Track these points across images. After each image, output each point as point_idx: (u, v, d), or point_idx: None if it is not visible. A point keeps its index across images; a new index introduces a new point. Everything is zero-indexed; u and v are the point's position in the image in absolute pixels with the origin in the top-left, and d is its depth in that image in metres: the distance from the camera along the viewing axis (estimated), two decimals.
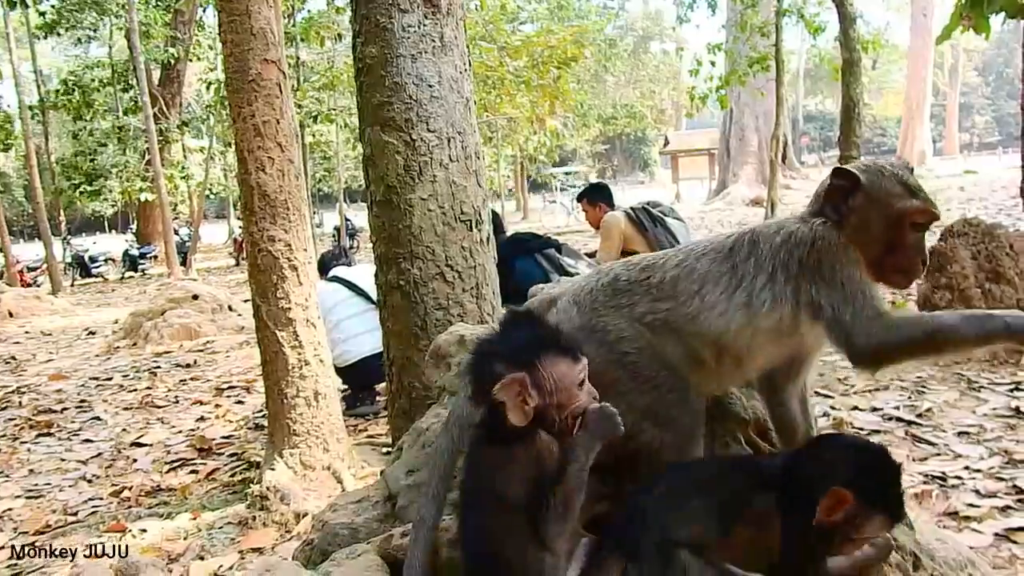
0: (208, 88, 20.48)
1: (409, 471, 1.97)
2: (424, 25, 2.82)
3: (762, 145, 25.07)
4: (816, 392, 5.85)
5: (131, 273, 23.90)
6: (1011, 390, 5.60)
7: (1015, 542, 3.61)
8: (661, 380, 1.72)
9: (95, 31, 22.98)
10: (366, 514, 1.93)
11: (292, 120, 4.80)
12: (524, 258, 6.29)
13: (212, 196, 34.61)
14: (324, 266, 7.02)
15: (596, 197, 7.88)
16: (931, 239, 7.58)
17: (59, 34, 22.20)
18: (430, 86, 2.82)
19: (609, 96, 38.87)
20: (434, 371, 2.08)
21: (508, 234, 6.71)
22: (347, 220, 24.17)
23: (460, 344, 2.11)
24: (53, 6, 20.80)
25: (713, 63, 13.56)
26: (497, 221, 6.58)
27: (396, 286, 2.90)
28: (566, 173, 39.66)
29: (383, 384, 6.42)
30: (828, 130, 49.60)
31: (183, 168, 24.81)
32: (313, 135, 25.47)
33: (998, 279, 6.46)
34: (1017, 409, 5.19)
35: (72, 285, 22.34)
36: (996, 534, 3.68)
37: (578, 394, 1.47)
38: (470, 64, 3.01)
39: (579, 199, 8.26)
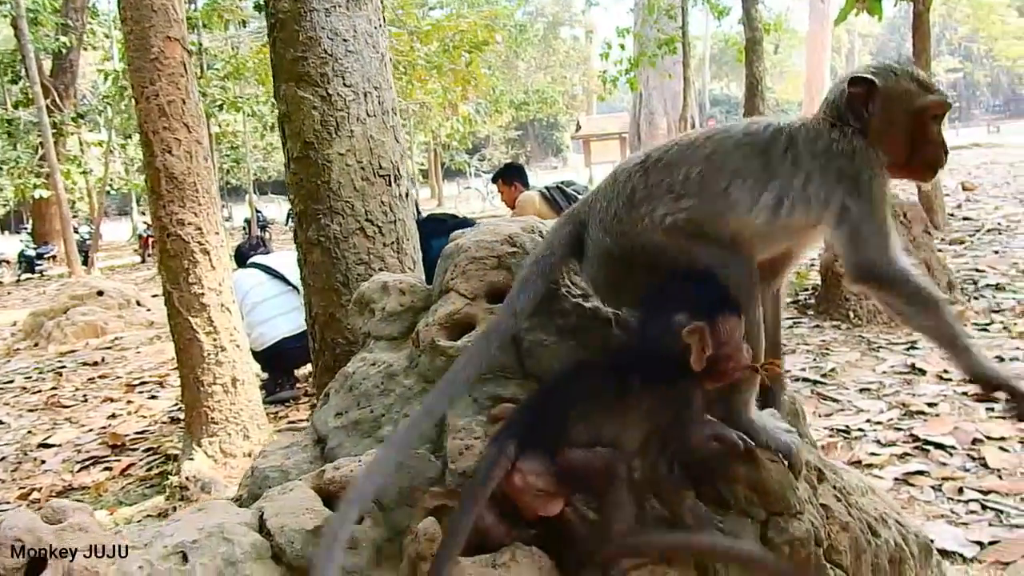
0: (105, 78, 19.62)
1: (338, 413, 1.98)
2: None
3: (671, 128, 25.56)
4: None
5: (28, 275, 22.77)
6: (907, 349, 5.92)
7: (912, 485, 3.86)
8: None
9: None
10: (296, 457, 1.94)
11: (198, 101, 4.68)
12: (441, 237, 6.27)
13: (113, 192, 33.25)
14: (242, 256, 6.90)
15: (511, 177, 7.94)
16: None
17: None
18: (345, 40, 2.81)
19: (521, 82, 38.98)
20: (358, 318, 2.10)
21: (424, 215, 6.70)
22: (258, 212, 23.62)
23: (383, 291, 2.13)
24: None
25: (623, 46, 13.75)
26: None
27: (316, 242, 2.87)
28: (480, 159, 39.69)
29: (303, 370, 6.37)
30: (734, 113, 50.94)
31: (81, 163, 23.71)
32: (219, 125, 24.76)
33: None
34: (913, 366, 5.50)
35: None
36: (895, 479, 3.93)
37: (741, 349, 1.62)
38: (384, 20, 3.00)
39: (494, 180, 8.30)
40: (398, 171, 2.97)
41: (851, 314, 6.71)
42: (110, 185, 28.02)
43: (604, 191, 1.85)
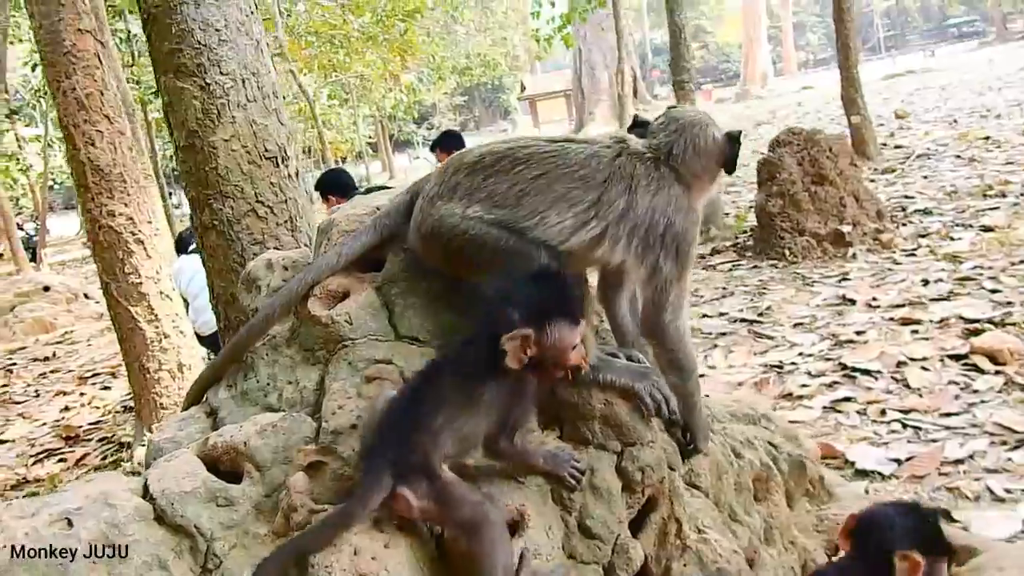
0: (34, 70, 19.11)
1: (228, 385, 2.11)
2: None
3: (613, 82, 25.66)
4: None
5: None
6: (839, 281, 6.14)
7: (839, 412, 4.05)
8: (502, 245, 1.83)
9: None
10: (189, 429, 2.05)
11: (117, 93, 4.67)
12: None
13: (58, 186, 32.56)
14: (184, 243, 6.88)
15: (449, 144, 7.97)
16: (763, 150, 8.07)
17: None
18: (217, 30, 2.91)
19: (461, 47, 38.56)
20: (247, 296, 2.19)
21: (361, 189, 6.72)
22: None
23: (268, 268, 2.23)
24: None
25: (552, 3, 13.71)
26: (348, 179, 6.61)
27: (211, 226, 2.97)
28: (428, 128, 39.45)
29: None
30: None
31: (19, 159, 23.13)
32: (159, 111, 24.20)
33: (822, 181, 6.98)
34: (843, 297, 5.71)
35: None
36: (824, 407, 4.12)
37: (570, 354, 1.66)
38: (257, 7, 3.07)
39: (432, 149, 8.32)
40: (285, 152, 3.07)
41: (787, 252, 6.91)
42: (52, 179, 27.43)
43: (437, 175, 1.96)
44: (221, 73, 2.90)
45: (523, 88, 40.61)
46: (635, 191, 1.86)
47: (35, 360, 8.31)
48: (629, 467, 1.84)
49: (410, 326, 1.99)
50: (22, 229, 23.02)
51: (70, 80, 4.36)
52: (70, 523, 1.57)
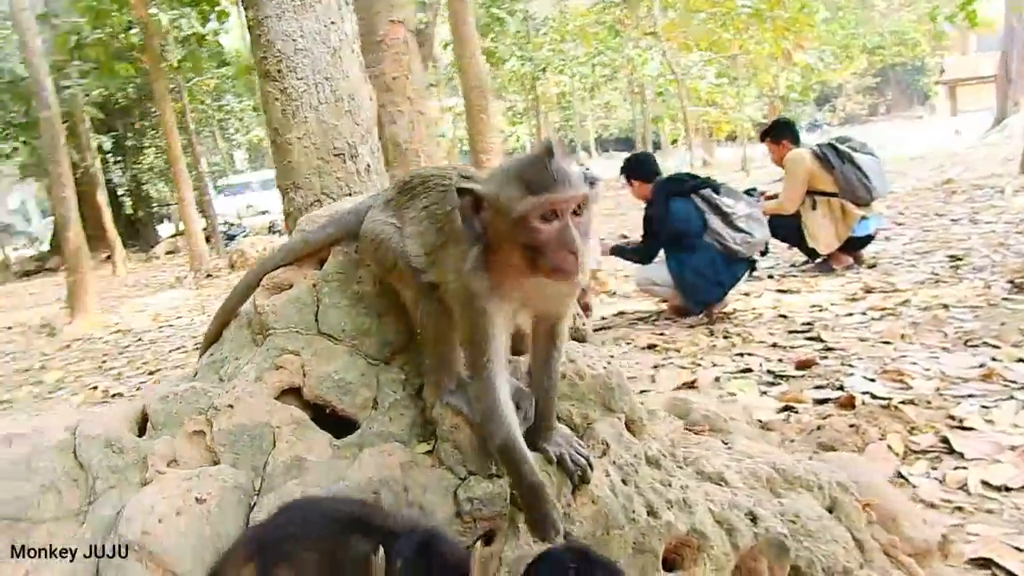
0: (444, 48, 21.68)
1: (211, 353, 2.39)
2: None
3: None
4: (985, 342, 5.24)
5: None
6: None
7: None
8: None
9: None
10: (179, 385, 2.28)
11: (423, 75, 5.20)
12: (680, 199, 6.23)
13: (464, 152, 36.79)
14: None
15: (780, 134, 7.61)
16: None
17: None
18: (294, 40, 3.23)
19: (878, 23, 35.40)
20: None
21: (664, 176, 6.60)
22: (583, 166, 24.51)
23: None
24: None
25: None
26: (653, 165, 6.57)
27: (289, 213, 3.34)
28: (831, 110, 37.19)
29: None
30: None
31: (438, 127, 26.52)
32: (558, 86, 26.16)
33: None
34: None
35: None
36: None
37: None
38: (343, 18, 3.34)
39: (763, 138, 7.94)
40: (355, 150, 3.34)
41: None
42: (461, 147, 31.03)
43: (387, 187, 2.15)
44: (297, 78, 3.26)
45: (942, 71, 36.17)
46: (447, 238, 1.85)
47: None
48: (460, 494, 1.84)
49: (331, 324, 2.16)
50: None
51: (380, 66, 4.98)
52: (10, 443, 1.96)
